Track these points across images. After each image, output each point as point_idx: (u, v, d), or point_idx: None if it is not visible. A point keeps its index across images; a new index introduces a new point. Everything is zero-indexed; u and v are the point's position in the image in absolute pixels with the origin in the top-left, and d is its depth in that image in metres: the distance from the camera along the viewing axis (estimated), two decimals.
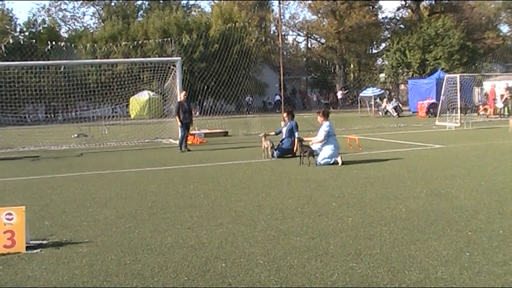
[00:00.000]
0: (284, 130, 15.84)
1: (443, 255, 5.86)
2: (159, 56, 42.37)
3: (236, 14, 51.74)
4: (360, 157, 14.67)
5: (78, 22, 65.06)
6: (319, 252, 6.06)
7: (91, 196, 10.00)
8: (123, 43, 42.07)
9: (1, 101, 24.98)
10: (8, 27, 49.92)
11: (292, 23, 68.25)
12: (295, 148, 15.11)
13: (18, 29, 51.35)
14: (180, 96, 19.46)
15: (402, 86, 58.77)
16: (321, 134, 13.61)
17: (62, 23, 63.46)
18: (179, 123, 18.58)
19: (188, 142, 20.53)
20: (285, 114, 16.55)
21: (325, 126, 13.65)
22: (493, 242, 6.31)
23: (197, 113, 36.22)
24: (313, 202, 8.83)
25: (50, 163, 15.99)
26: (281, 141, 15.72)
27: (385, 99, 40.62)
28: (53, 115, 35.03)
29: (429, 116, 34.06)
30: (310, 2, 65.54)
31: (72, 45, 41.07)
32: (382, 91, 45.86)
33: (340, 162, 13.26)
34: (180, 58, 24.04)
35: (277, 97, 50.89)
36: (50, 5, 62.43)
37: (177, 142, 20.68)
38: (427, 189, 9.61)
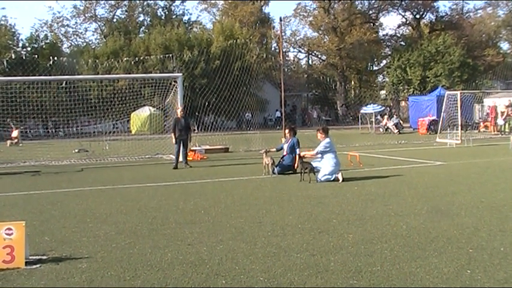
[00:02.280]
0: (285, 146, 15.87)
1: (444, 272, 5.84)
2: (160, 72, 42.58)
3: (237, 31, 52.03)
4: (361, 174, 14.66)
5: (80, 38, 65.56)
6: (320, 269, 6.04)
7: (91, 212, 9.98)
8: (125, 59, 42.24)
9: (2, 116, 25.03)
10: (10, 42, 50.14)
11: (293, 39, 68.69)
12: (296, 164, 15.14)
13: (20, 44, 51.61)
14: (177, 112, 19.18)
15: (403, 103, 58.95)
16: (318, 148, 13.71)
17: (64, 39, 63.96)
18: (173, 140, 18.32)
19: (189, 158, 20.51)
20: (286, 131, 16.57)
21: (324, 143, 13.69)
22: (494, 259, 6.29)
23: (195, 129, 36.31)
24: (313, 219, 8.81)
25: (51, 178, 15.97)
26: (282, 158, 15.73)
27: (385, 116, 40.71)
28: (54, 130, 35.11)
29: (430, 133, 34.10)
30: (311, 19, 65.98)
31: (74, 60, 41.35)
32: (383, 108, 45.94)
33: (340, 179, 13.25)
34: (181, 74, 24.12)
35: (278, 113, 50.99)
36: (53, 21, 62.86)
37: None
38: (428, 206, 9.59)
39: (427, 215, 8.84)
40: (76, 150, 24.72)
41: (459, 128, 25.99)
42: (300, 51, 72.95)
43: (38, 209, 10.39)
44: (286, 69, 64.50)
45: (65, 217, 9.50)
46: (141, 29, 63.36)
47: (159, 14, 65.05)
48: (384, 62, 68.55)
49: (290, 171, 15.29)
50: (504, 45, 72.92)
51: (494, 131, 34.37)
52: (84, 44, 60.66)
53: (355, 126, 43.82)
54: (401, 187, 12.12)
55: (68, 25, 64.42)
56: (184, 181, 14.37)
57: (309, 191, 11.95)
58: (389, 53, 66.14)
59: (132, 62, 42.42)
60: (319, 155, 13.72)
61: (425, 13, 65.81)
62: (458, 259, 6.32)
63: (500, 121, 34.51)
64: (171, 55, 43.47)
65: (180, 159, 18.84)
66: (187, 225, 8.52)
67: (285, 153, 15.74)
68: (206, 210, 9.85)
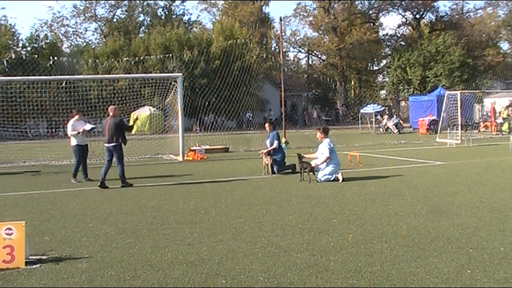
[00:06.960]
0: (267, 142, 15.80)
1: (444, 272, 5.84)
2: (160, 72, 42.56)
3: (237, 31, 52.03)
4: (361, 174, 14.66)
5: (80, 38, 65.55)
6: (320, 269, 6.04)
7: (91, 211, 9.98)
8: (125, 59, 42.20)
9: (2, 116, 25.01)
10: (10, 42, 50.11)
11: (293, 39, 68.69)
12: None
13: (20, 44, 51.56)
14: (109, 111, 14.26)
15: (403, 103, 58.93)
16: (325, 151, 13.54)
17: (64, 39, 63.98)
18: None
19: (189, 158, 20.53)
20: (266, 125, 16.45)
21: (326, 143, 13.63)
22: (494, 259, 6.29)
23: (197, 129, 36.33)
24: (313, 219, 8.80)
25: (51, 178, 15.98)
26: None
27: (385, 116, 40.70)
28: (54, 130, 35.08)
29: (430, 133, 34.11)
30: (311, 19, 65.99)
31: (74, 60, 41.32)
32: (383, 108, 45.87)
33: (340, 178, 13.24)
34: (181, 74, 24.11)
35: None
36: (53, 21, 62.84)
37: (178, 158, 20.65)
38: (428, 206, 9.59)
39: (427, 215, 8.84)
40: None
41: (459, 127, 26.00)
42: (300, 51, 73.04)
43: (38, 209, 10.39)
44: (286, 69, 64.46)
45: (65, 217, 9.50)
46: (141, 29, 63.35)
47: (159, 14, 65.08)
48: (384, 62, 68.62)
49: (289, 170, 15.31)
50: (504, 45, 73.11)
51: (495, 131, 34.42)
52: (84, 44, 60.62)
53: (355, 126, 43.82)
54: (401, 187, 12.12)
55: (68, 25, 64.51)
56: (185, 181, 14.37)
57: (309, 191, 11.95)
58: (389, 53, 66.13)
59: (132, 62, 42.37)
60: (330, 157, 13.54)
61: (425, 13, 65.80)
62: (458, 259, 6.32)
63: (499, 120, 34.59)
64: (171, 55, 43.44)
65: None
66: (187, 225, 8.52)
67: (268, 147, 15.64)
68: (206, 210, 9.85)
